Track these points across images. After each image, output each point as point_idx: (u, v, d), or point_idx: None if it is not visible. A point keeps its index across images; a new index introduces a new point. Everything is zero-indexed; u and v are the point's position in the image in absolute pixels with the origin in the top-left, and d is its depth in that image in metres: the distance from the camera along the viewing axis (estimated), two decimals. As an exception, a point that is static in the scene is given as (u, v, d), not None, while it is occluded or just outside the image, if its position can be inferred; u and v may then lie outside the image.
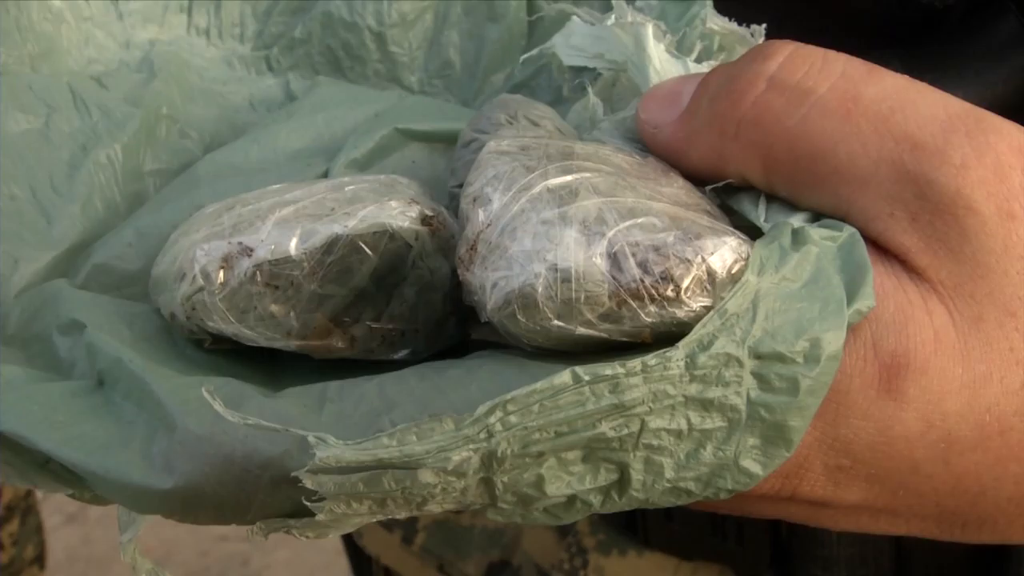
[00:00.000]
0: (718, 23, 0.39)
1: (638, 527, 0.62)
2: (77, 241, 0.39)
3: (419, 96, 0.46)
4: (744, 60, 0.33)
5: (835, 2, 0.46)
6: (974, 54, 0.43)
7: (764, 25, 0.38)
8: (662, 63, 0.38)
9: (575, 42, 0.41)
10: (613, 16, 0.40)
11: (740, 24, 0.39)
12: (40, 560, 1.32)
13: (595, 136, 0.37)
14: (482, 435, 0.27)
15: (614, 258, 0.29)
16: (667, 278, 0.28)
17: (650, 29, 0.38)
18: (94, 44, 0.47)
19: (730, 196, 0.34)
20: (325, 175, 0.40)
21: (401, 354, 0.33)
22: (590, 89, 0.39)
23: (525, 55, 0.43)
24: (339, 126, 0.43)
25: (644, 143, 0.36)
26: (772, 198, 0.33)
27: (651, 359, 0.28)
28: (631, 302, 0.28)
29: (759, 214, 0.32)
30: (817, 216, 0.32)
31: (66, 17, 0.46)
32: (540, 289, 0.29)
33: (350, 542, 0.77)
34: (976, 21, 0.44)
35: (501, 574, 0.67)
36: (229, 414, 0.27)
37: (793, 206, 0.32)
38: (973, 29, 0.44)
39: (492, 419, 0.27)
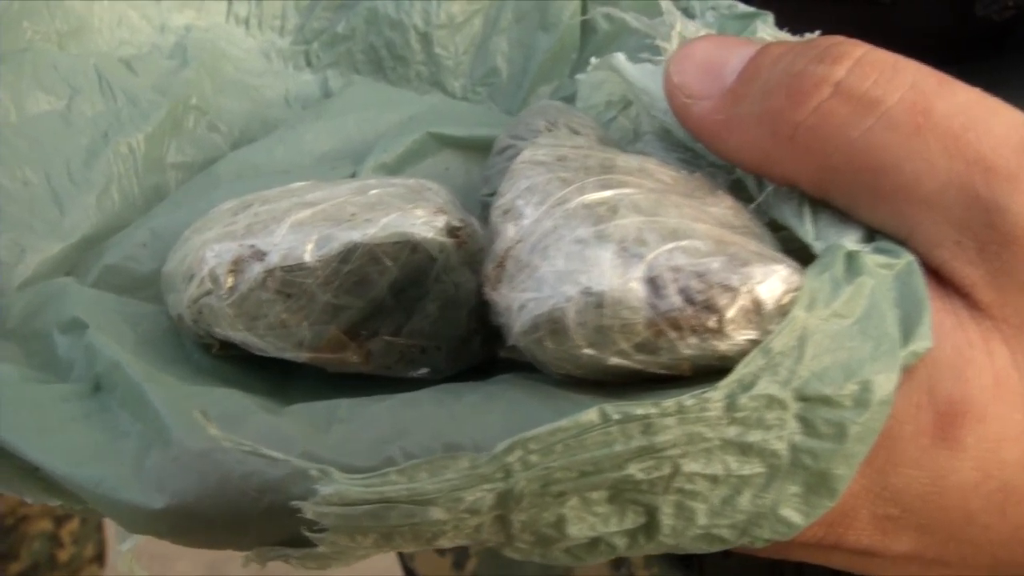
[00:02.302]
0: (770, 34, 0.36)
1: (694, 563, 0.60)
2: (89, 233, 0.37)
3: (459, 102, 0.44)
4: (809, 57, 0.31)
5: (893, 18, 0.44)
6: None
7: (818, 32, 0.36)
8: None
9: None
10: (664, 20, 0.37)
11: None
12: (100, 558, 1.33)
13: (639, 148, 0.35)
14: (499, 475, 0.25)
15: (653, 283, 0.26)
16: (710, 308, 0.26)
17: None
18: (127, 25, 0.45)
19: (773, 202, 0.31)
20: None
21: (420, 372, 0.31)
22: (634, 100, 0.37)
23: (578, 74, 0.41)
24: (370, 128, 0.41)
25: (672, 109, 0.33)
26: (821, 208, 0.30)
27: (688, 399, 0.25)
28: (670, 332, 0.26)
29: (807, 228, 0.30)
30: (872, 232, 0.30)
31: None
32: (571, 314, 0.26)
33: (404, 564, 0.76)
34: None
35: None
36: (224, 438, 0.25)
37: (845, 217, 0.30)
38: None
39: (511, 458, 0.25)
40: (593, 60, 0.38)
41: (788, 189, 0.31)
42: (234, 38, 0.46)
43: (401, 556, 0.75)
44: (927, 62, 0.31)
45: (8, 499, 1.18)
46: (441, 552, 0.71)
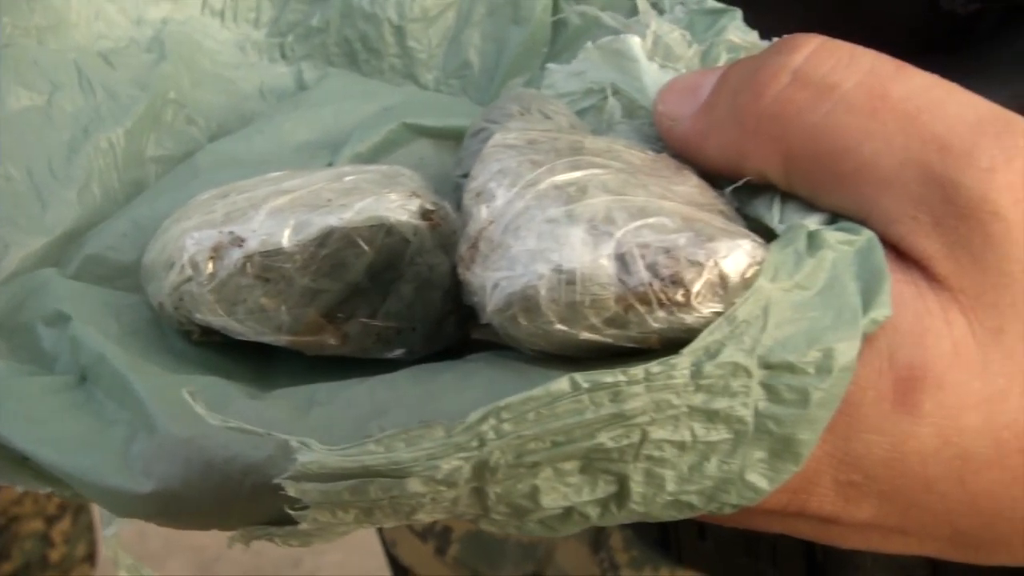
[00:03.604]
0: (739, 36, 0.37)
1: (671, 544, 0.61)
2: (71, 228, 0.38)
3: (432, 93, 0.45)
4: (768, 52, 0.32)
5: (866, 11, 0.45)
6: (1002, 62, 0.42)
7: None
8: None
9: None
10: (639, 20, 0.38)
11: (768, 35, 0.38)
12: (91, 558, 1.33)
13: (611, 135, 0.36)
14: (474, 443, 0.26)
15: (622, 260, 0.27)
16: (677, 282, 0.27)
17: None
18: (104, 19, 0.45)
19: (746, 199, 0.32)
20: None
21: (397, 353, 0.32)
22: (608, 93, 0.38)
23: (549, 63, 0.42)
24: (347, 119, 0.42)
25: (661, 136, 0.35)
26: (789, 198, 0.32)
27: (654, 367, 0.26)
28: (639, 307, 0.27)
29: (773, 215, 0.31)
30: (835, 217, 0.31)
31: None
32: (543, 291, 0.27)
33: (388, 552, 0.77)
34: (1006, 30, 0.43)
35: None
36: (211, 416, 0.26)
37: (810, 207, 0.31)
38: (1003, 38, 0.43)
39: (484, 427, 0.26)
40: (590, 45, 0.39)
41: (761, 185, 0.32)
42: (209, 30, 0.46)
43: (385, 544, 0.76)
44: (896, 53, 0.32)
45: (0, 499, 1.18)
46: (423, 539, 0.71)
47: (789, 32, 0.34)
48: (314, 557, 2.01)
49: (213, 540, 1.97)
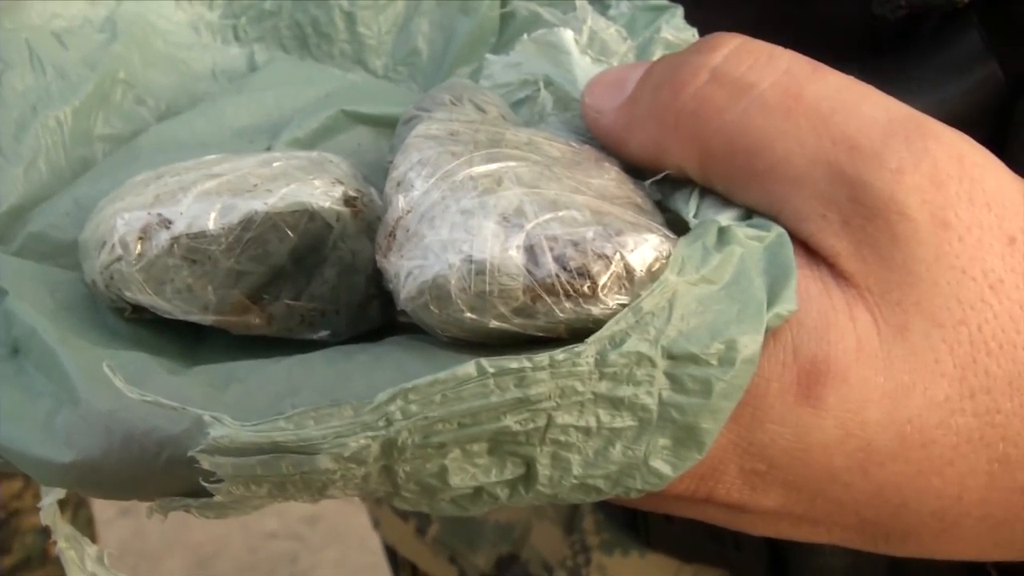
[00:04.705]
0: (674, 34, 0.38)
1: (640, 527, 0.62)
2: (16, 204, 0.39)
3: (380, 81, 0.46)
4: (690, 51, 0.33)
5: (808, 14, 0.45)
6: (936, 67, 0.43)
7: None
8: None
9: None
10: (577, 16, 0.39)
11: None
12: None
13: (542, 128, 0.37)
14: (381, 423, 0.27)
15: (531, 251, 0.28)
16: (584, 274, 0.28)
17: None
18: None
19: (667, 191, 0.33)
20: None
21: (321, 334, 0.33)
22: (541, 85, 0.39)
23: (488, 54, 0.43)
24: (288, 105, 0.42)
25: (588, 128, 0.35)
26: (707, 193, 0.32)
27: (559, 354, 0.27)
28: (546, 297, 0.28)
29: (689, 210, 0.32)
30: (749, 213, 0.32)
31: None
32: (453, 280, 0.28)
33: (388, 548, 0.78)
34: (942, 36, 0.43)
35: (510, 567, 0.67)
36: (128, 390, 0.27)
37: (727, 202, 0.32)
38: (938, 43, 0.43)
39: (392, 407, 0.27)
40: (526, 37, 0.40)
41: (681, 179, 0.33)
42: (164, 11, 0.47)
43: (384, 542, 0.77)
44: (837, 56, 0.32)
45: (1, 494, 1.19)
46: (404, 518, 0.72)
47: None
48: (311, 553, 2.01)
49: (210, 537, 1.98)
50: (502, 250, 0.28)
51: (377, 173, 0.37)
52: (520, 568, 0.67)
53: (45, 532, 1.22)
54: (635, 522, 0.62)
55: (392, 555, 0.77)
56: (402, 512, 0.73)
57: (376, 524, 0.77)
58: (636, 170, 0.34)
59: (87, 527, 1.31)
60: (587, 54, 0.38)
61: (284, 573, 1.98)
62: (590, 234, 0.28)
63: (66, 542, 0.34)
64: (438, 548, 0.71)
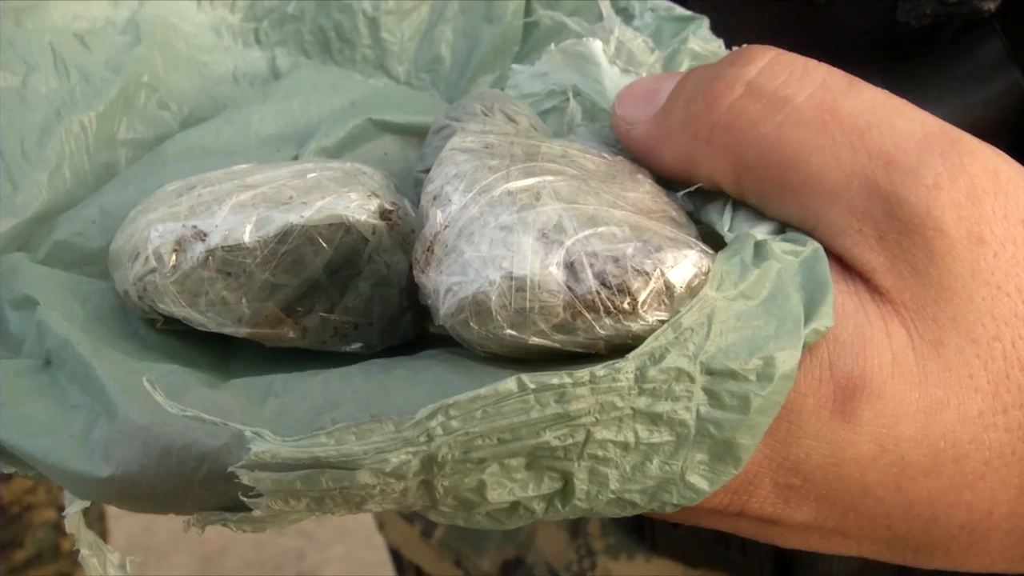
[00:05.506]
0: (701, 45, 0.38)
1: (646, 532, 0.62)
2: (41, 210, 0.38)
3: (402, 87, 0.46)
4: (724, 63, 0.33)
5: (828, 22, 0.45)
6: (956, 75, 0.43)
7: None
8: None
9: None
10: (604, 26, 0.39)
11: (736, 43, 0.38)
12: None
13: (571, 139, 0.36)
14: (422, 438, 0.27)
15: (571, 268, 0.28)
16: (624, 291, 0.28)
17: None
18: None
19: (699, 203, 0.33)
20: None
21: (355, 346, 0.33)
22: (570, 95, 0.39)
23: (514, 64, 0.42)
24: (314, 112, 0.42)
25: (619, 139, 0.35)
26: (739, 205, 0.32)
27: (599, 370, 0.27)
28: (586, 314, 0.28)
29: (724, 223, 0.32)
30: (783, 227, 0.32)
31: None
32: (494, 297, 0.28)
33: (392, 549, 0.78)
34: (962, 43, 0.43)
35: (515, 571, 0.67)
36: (169, 404, 0.27)
37: (760, 215, 0.32)
38: (958, 51, 0.43)
39: (433, 423, 0.27)
40: (553, 47, 0.40)
41: (713, 191, 0.33)
42: (186, 13, 0.46)
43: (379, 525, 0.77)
44: (858, 63, 0.32)
45: (14, 488, 1.18)
46: (410, 521, 0.72)
47: (755, 40, 0.34)
48: (318, 550, 2.01)
49: (218, 534, 1.98)
50: (542, 267, 0.28)
51: (405, 182, 0.37)
52: (525, 571, 0.67)
53: (57, 527, 1.22)
54: (641, 527, 0.62)
55: (397, 557, 0.77)
56: (407, 514, 0.73)
57: (381, 527, 0.77)
58: (666, 182, 0.34)
59: (98, 522, 1.31)
60: (615, 64, 0.38)
61: (291, 569, 1.98)
62: (630, 250, 0.28)
63: (88, 549, 0.34)
64: (443, 551, 0.71)
